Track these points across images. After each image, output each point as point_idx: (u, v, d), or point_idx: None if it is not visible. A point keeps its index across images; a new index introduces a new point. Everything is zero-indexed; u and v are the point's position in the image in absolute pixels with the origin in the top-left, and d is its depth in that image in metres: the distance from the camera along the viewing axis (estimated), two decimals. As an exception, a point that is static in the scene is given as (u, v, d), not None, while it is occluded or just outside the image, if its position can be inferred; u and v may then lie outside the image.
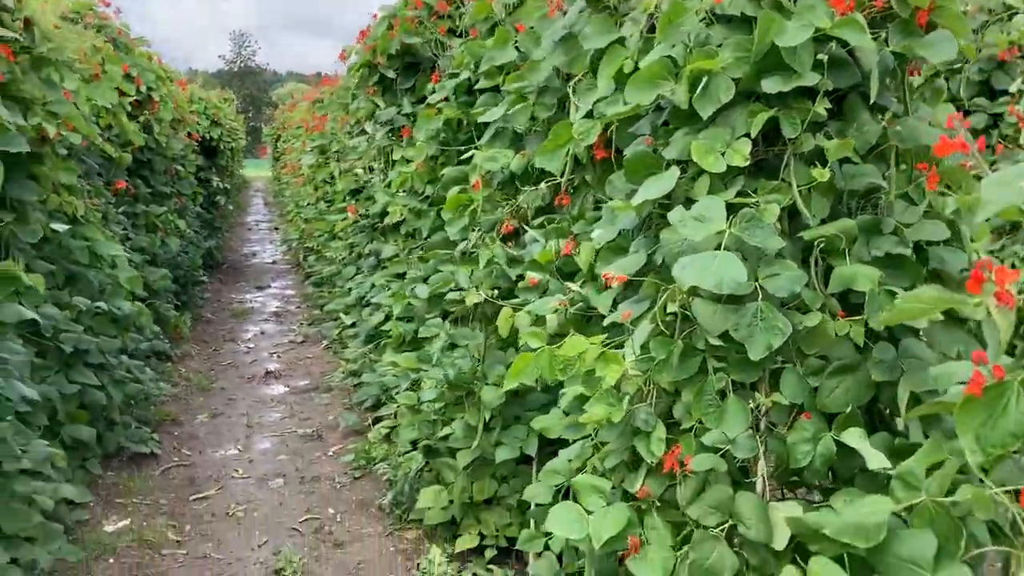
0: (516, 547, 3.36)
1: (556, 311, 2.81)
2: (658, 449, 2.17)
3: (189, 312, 8.55)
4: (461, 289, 3.59)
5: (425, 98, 5.09)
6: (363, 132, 6.68)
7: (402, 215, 4.47)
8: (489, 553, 3.80)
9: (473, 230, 3.61)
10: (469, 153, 3.71)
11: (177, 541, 4.18)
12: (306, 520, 4.42)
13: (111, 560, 3.93)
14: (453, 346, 4.09)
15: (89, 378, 4.48)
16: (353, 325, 6.93)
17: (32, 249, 3.96)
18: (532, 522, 2.96)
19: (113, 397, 4.80)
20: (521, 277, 3.42)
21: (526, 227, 3.46)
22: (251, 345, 8.45)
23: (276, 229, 20.21)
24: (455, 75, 4.29)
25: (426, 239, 4.57)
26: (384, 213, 5.40)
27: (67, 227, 4.30)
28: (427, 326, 3.64)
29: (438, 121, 4.27)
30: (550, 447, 3.67)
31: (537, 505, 2.91)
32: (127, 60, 6.37)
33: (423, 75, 5.05)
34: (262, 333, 9.02)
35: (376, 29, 5.32)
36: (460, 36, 4.90)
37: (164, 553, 4.05)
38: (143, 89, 6.83)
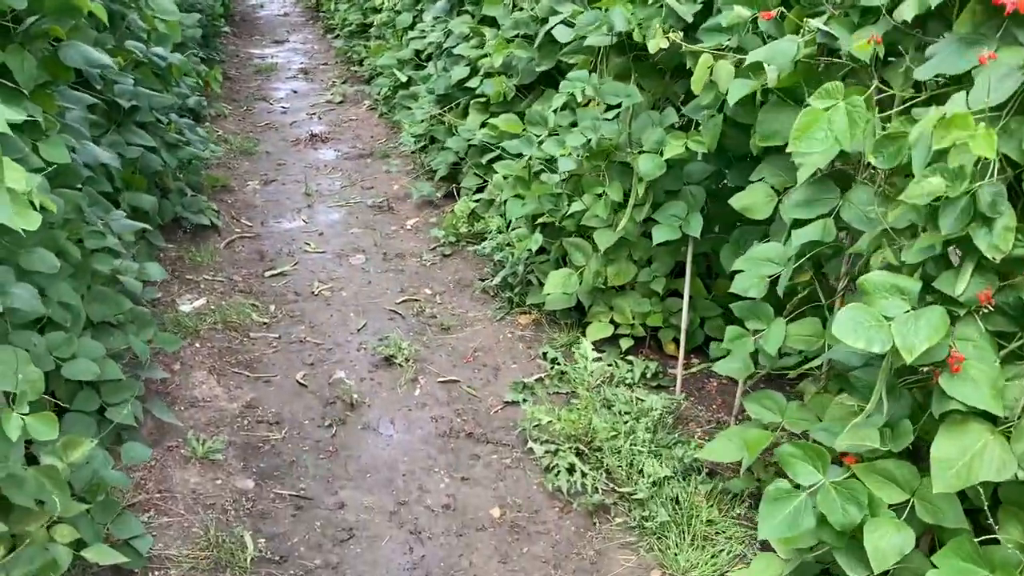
0: (684, 342, 2.94)
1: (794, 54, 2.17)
2: (1005, 242, 1.63)
3: (217, 66, 7.72)
4: (615, 34, 2.91)
5: None
6: None
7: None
8: (624, 343, 3.39)
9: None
10: None
11: (264, 324, 3.75)
12: (404, 301, 3.98)
13: (197, 345, 3.51)
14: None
15: (144, 139, 3.86)
16: (408, 83, 6.19)
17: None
18: (735, 320, 2.49)
19: (167, 161, 4.20)
20: (702, 18, 2.73)
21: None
22: (286, 105, 7.70)
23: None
24: None
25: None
26: (467, -55, 4.54)
27: (103, -49, 3.49)
28: (571, 80, 2.98)
29: None
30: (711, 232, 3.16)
31: (738, 298, 2.44)
32: None
33: None
34: (294, 92, 8.22)
35: None
36: None
37: (254, 337, 3.63)
38: None
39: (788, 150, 2.13)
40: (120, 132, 3.73)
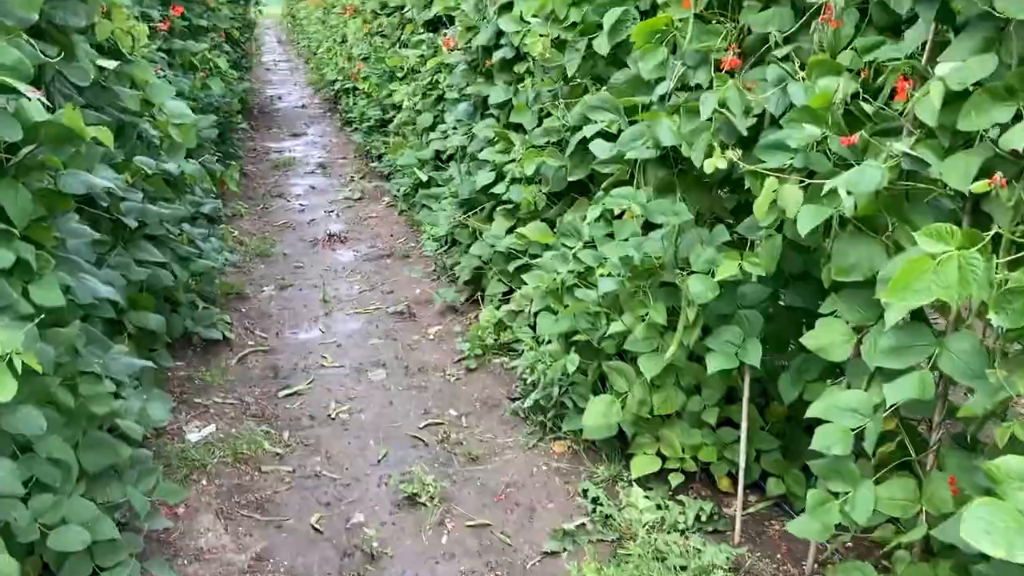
0: (744, 485, 2.64)
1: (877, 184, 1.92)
2: None
3: (233, 164, 7.60)
4: (669, 150, 2.68)
5: None
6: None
7: (544, 48, 3.48)
8: (674, 479, 3.06)
9: (683, 66, 2.65)
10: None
11: (277, 454, 3.45)
12: (427, 426, 3.68)
13: (204, 482, 3.22)
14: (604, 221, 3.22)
15: (153, 255, 3.64)
16: (428, 183, 6.01)
17: (79, 95, 3.01)
18: (814, 479, 2.18)
19: (178, 276, 3.98)
20: (754, 132, 2.51)
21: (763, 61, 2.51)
22: (304, 202, 7.56)
23: (296, 69, 18.90)
24: None
25: (568, 79, 3.59)
26: (492, 47, 4.39)
27: (116, 63, 3.34)
28: (615, 196, 2.74)
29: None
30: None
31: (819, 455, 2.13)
32: None
33: None
34: (312, 188, 8.10)
35: None
36: None
37: (265, 471, 3.33)
38: None
39: (881, 298, 1.87)
40: (128, 248, 3.52)
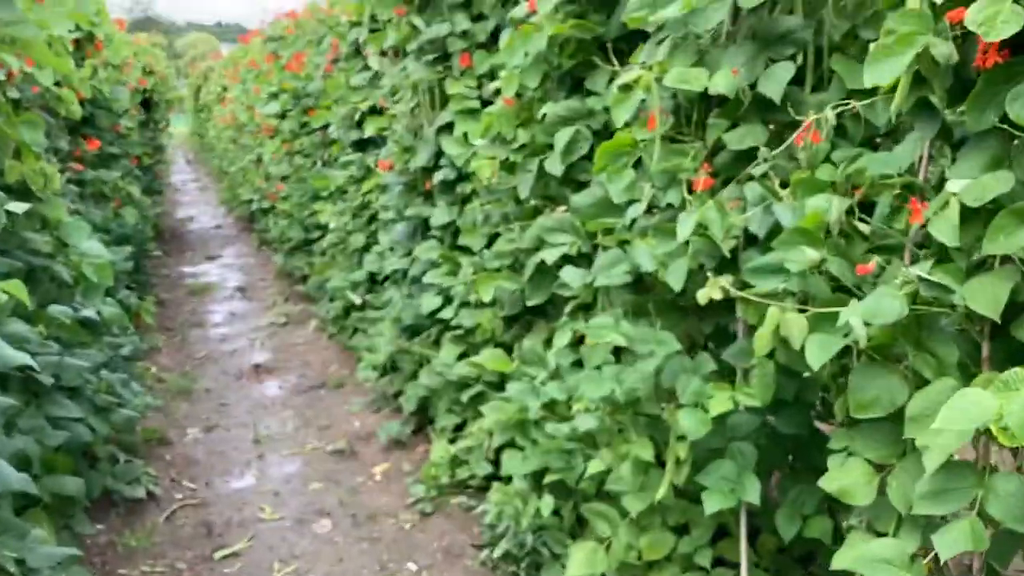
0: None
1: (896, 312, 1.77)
2: None
3: (148, 295, 7.19)
4: (642, 273, 2.52)
5: (481, 15, 3.93)
6: (366, 68, 5.45)
7: (492, 172, 3.34)
8: (668, 631, 2.79)
9: (653, 188, 2.51)
10: (629, 76, 2.58)
11: (219, 633, 3.04)
12: (386, 585, 3.33)
13: (135, 677, 2.78)
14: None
15: (70, 410, 3.26)
16: (362, 307, 5.75)
17: (-16, 241, 2.70)
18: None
19: (97, 430, 3.57)
20: (734, 253, 2.38)
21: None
22: (224, 331, 7.17)
23: (206, 188, 18.57)
24: (558, -23, 3.13)
25: (520, 201, 3.44)
26: (432, 168, 4.24)
27: (27, 206, 3.04)
28: (593, 327, 2.54)
29: (540, 40, 3.12)
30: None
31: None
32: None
33: (483, -16, 3.87)
34: (232, 314, 7.72)
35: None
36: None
37: (206, 656, 2.91)
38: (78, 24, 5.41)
39: (914, 438, 1.71)
40: (41, 407, 3.13)
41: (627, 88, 2.69)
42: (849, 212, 2.08)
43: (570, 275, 2.81)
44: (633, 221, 2.60)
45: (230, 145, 13.30)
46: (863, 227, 2.07)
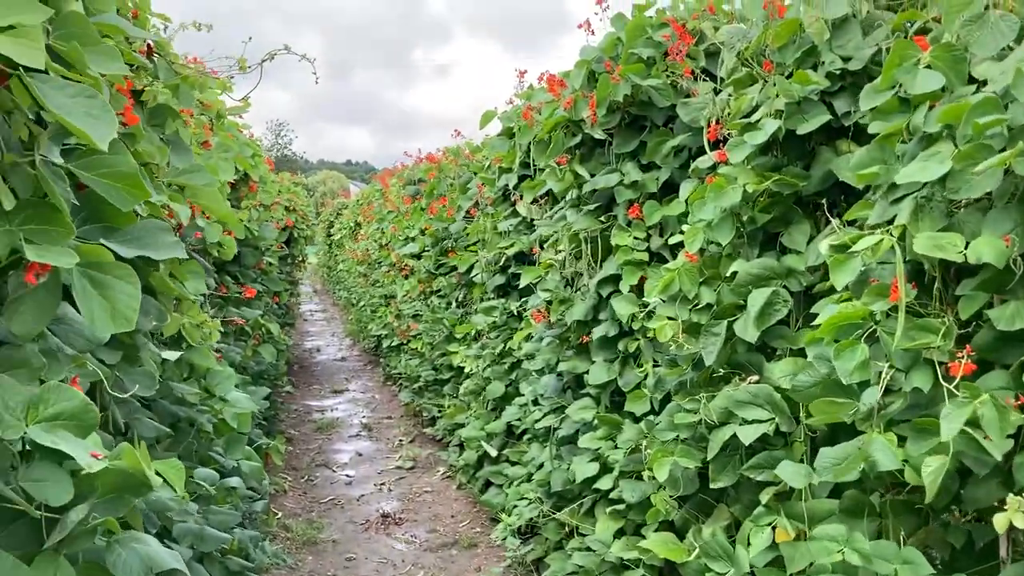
0: None
1: None
2: None
3: (278, 433, 7.08)
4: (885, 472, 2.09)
5: (652, 164, 3.70)
6: (514, 214, 5.30)
7: (673, 332, 3.02)
8: None
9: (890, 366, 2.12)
10: (848, 236, 2.24)
11: None
12: None
13: None
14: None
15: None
16: (498, 460, 5.41)
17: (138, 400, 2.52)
18: None
19: (228, 598, 3.30)
20: (1008, 457, 1.93)
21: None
22: (350, 473, 6.93)
23: (333, 319, 18.98)
24: (751, 126, 2.86)
25: (708, 369, 3.08)
26: (589, 321, 3.94)
27: (178, 354, 2.89)
28: (819, 538, 2.10)
29: (735, 193, 2.83)
30: None
31: None
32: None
33: (655, 132, 3.65)
34: (359, 455, 7.50)
35: (576, 78, 3.95)
36: (706, 79, 3.54)
37: None
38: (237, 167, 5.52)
39: None
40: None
41: (843, 249, 2.36)
42: None
43: (788, 472, 2.38)
44: (870, 411, 2.19)
45: (360, 280, 13.54)
46: None
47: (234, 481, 3.11)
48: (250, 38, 2.41)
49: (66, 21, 1.38)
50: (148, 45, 2.30)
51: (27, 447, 1.52)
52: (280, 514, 5.74)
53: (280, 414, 8.28)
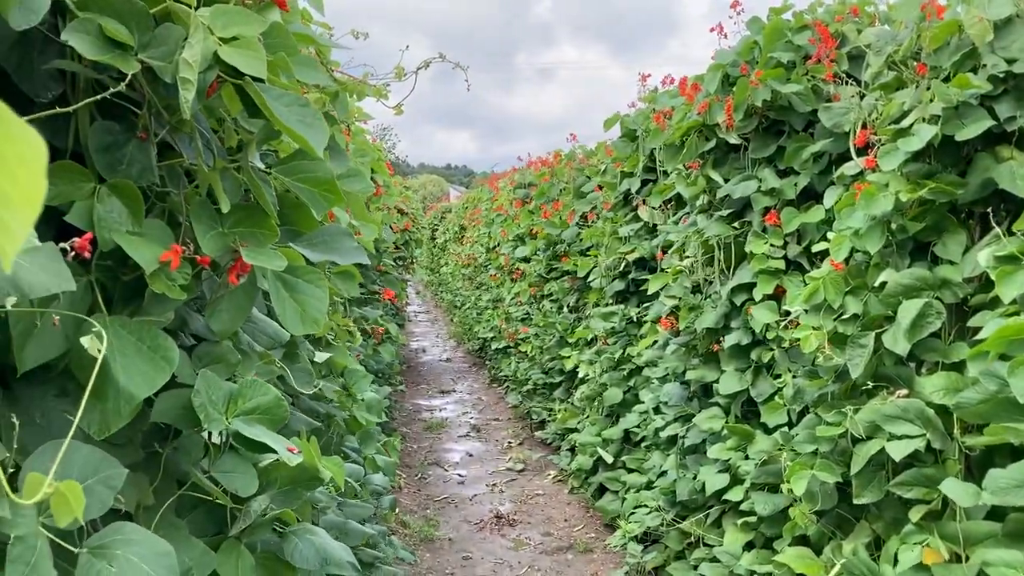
0: None
1: None
2: None
3: (393, 431, 7.24)
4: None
5: (790, 170, 3.62)
6: (636, 218, 5.28)
7: (819, 343, 2.96)
8: None
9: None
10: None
11: None
12: None
13: None
14: None
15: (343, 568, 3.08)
16: (613, 465, 5.39)
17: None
18: None
19: (361, 589, 3.38)
20: None
21: None
22: (462, 473, 7.02)
23: (436, 321, 19.27)
24: (903, 132, 2.77)
25: (840, 379, 3.00)
26: (718, 330, 3.89)
27: (327, 355, 2.99)
28: (995, 563, 2.03)
29: (886, 201, 2.74)
30: None
31: None
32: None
33: (793, 137, 3.58)
34: (469, 455, 7.59)
35: (710, 82, 3.91)
36: (849, 83, 3.44)
37: None
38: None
39: None
40: (314, 566, 2.97)
41: (1010, 260, 2.27)
42: None
43: (955, 491, 2.29)
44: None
45: (465, 282, 13.71)
46: None
47: (378, 479, 3.19)
48: (407, 46, 2.47)
49: (271, 32, 1.45)
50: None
51: (222, 439, 1.60)
52: (397, 510, 5.86)
53: (393, 412, 8.46)
